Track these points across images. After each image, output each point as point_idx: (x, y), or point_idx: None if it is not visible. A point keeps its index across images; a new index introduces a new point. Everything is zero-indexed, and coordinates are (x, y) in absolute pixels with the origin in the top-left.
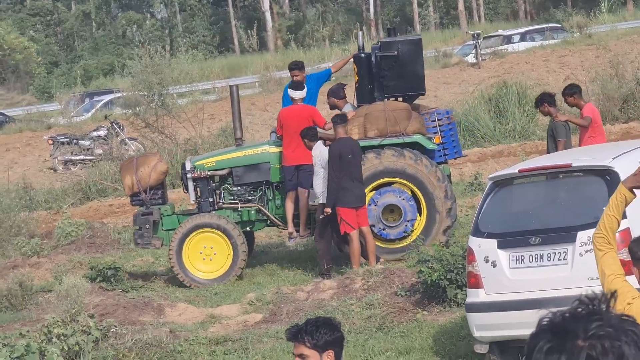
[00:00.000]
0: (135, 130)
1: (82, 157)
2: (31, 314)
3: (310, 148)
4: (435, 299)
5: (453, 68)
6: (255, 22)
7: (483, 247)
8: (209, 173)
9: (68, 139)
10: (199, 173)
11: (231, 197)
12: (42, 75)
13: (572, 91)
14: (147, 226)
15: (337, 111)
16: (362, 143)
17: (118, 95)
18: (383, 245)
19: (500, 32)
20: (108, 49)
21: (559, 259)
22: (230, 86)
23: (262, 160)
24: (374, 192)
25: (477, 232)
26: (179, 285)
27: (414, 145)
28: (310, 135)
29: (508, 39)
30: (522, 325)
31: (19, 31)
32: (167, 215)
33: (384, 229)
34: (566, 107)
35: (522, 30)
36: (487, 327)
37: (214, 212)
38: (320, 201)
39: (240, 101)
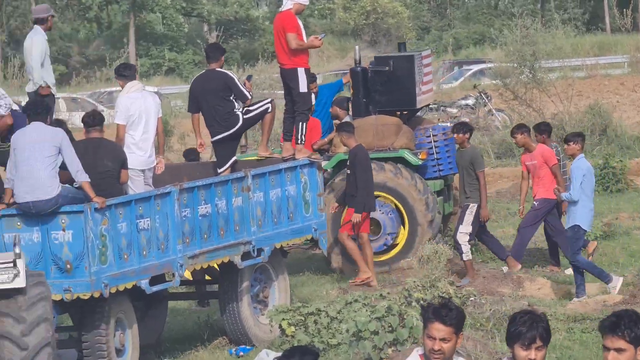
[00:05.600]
0: (503, 102)
1: (448, 124)
2: (392, 277)
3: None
4: None
5: None
6: (631, 1)
7: None
8: None
9: (436, 105)
10: None
11: None
12: (413, 41)
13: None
14: None
15: (337, 121)
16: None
17: (489, 65)
18: None
19: None
20: (480, 18)
21: None
22: None
23: None
24: None
25: None
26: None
27: (402, 161)
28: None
29: None
30: None
31: None
32: None
33: None
34: None
35: None
36: None
37: None
38: None
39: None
